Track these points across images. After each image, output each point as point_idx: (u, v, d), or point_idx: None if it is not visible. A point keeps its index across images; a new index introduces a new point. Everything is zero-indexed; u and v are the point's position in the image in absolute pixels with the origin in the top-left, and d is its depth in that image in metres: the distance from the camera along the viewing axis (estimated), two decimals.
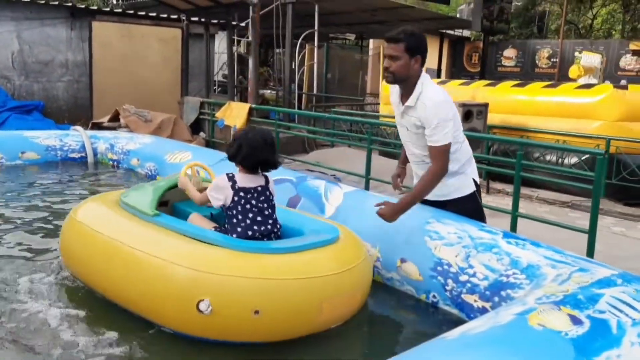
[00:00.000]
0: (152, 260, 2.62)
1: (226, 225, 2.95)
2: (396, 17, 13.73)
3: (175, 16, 11.10)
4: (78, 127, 7.63)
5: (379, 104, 13.37)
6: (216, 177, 3.04)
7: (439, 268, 3.12)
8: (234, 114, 8.46)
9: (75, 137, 7.17)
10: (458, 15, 18.35)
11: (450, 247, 3.12)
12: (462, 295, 2.98)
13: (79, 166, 6.90)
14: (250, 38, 9.97)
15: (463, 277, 2.99)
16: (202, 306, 2.42)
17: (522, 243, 3.01)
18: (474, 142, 6.55)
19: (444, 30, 16.24)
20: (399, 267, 3.35)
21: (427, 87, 2.97)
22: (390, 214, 3.07)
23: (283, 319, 2.53)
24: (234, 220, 2.85)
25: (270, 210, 2.93)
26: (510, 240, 3.05)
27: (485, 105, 7.28)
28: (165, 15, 11.12)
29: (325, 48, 13.58)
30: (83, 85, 10.65)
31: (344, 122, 9.68)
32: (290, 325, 2.58)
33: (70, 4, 10.65)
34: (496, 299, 2.83)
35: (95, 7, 11.86)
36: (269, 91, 15.42)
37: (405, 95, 3.06)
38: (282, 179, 4.90)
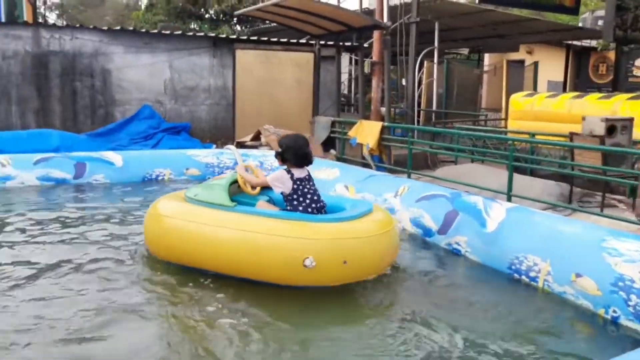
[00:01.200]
0: (260, 237, 3.53)
1: (287, 207, 3.88)
2: (518, 30, 13.59)
3: (303, 40, 11.83)
4: (231, 146, 8.34)
5: (501, 119, 13.27)
6: (274, 172, 4.02)
7: (620, 284, 3.23)
8: (366, 132, 8.85)
9: (229, 155, 7.92)
10: (581, 25, 17.64)
11: (632, 263, 3.22)
12: None
13: None
14: (374, 58, 10.43)
15: None
16: (307, 262, 3.37)
17: None
18: (619, 158, 6.45)
19: (569, 42, 15.74)
20: (574, 282, 3.49)
21: None
22: None
23: (361, 265, 3.59)
24: (295, 203, 3.84)
25: (318, 192, 3.95)
26: None
27: (631, 120, 7.08)
28: (295, 41, 11.89)
29: (445, 64, 13.70)
30: (222, 108, 11.63)
31: (468, 137, 9.76)
32: (364, 271, 3.64)
33: (213, 35, 11.70)
34: None
35: (234, 37, 12.88)
36: (384, 109, 15.75)
37: None
38: (435, 195, 5.17)
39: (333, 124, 10.01)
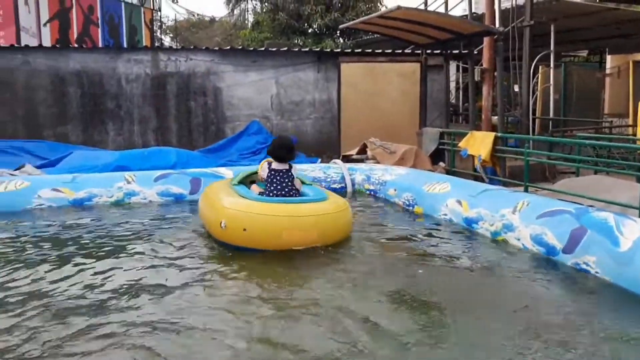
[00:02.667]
0: (217, 204, 4.99)
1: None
2: None
3: (408, 50, 11.61)
4: (338, 161, 8.38)
5: (628, 125, 12.14)
6: (262, 161, 5.35)
7: None
8: (478, 143, 8.43)
9: (336, 170, 7.89)
10: None
11: None
12: None
13: (340, 195, 7.54)
14: (484, 65, 9.95)
15: None
16: (222, 224, 4.65)
17: None
18: None
19: None
20: None
21: None
22: None
23: (263, 235, 4.60)
24: (267, 186, 5.11)
25: (289, 183, 5.05)
26: None
27: None
28: (400, 51, 11.70)
29: (563, 68, 12.82)
30: (327, 122, 11.70)
31: (590, 147, 8.98)
32: (264, 241, 4.61)
33: (318, 49, 11.83)
34: None
35: (339, 50, 12.96)
36: (496, 117, 15.04)
37: None
38: (559, 210, 4.76)
39: (442, 135, 9.69)
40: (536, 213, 4.85)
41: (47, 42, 14.92)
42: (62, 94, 10.68)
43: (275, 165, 5.08)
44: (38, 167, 8.91)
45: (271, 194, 4.99)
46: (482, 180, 8.07)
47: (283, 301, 3.63)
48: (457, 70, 15.52)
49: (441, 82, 10.61)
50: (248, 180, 5.70)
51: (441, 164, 9.69)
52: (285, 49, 12.00)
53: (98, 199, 6.78)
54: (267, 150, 5.25)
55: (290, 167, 5.14)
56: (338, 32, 20.45)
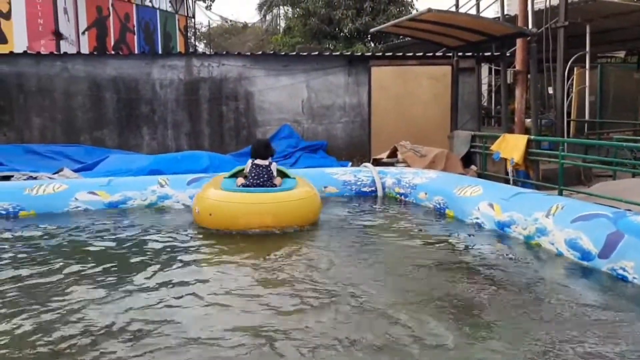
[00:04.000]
0: (198, 194, 6.11)
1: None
2: None
3: (440, 53, 11.52)
4: (368, 164, 8.37)
5: None
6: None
7: None
8: (510, 146, 8.31)
9: (366, 173, 7.88)
10: None
11: None
12: None
13: (371, 199, 7.56)
14: (517, 67, 9.80)
15: None
16: (196, 210, 5.79)
17: None
18: None
19: None
20: None
21: None
22: None
23: (224, 219, 5.54)
24: (248, 178, 5.97)
25: (265, 176, 5.90)
26: None
27: None
28: (430, 54, 11.62)
29: (599, 69, 12.53)
30: (357, 125, 11.70)
31: (628, 149, 8.74)
32: (229, 223, 5.52)
33: (348, 53, 11.85)
34: None
35: (369, 54, 12.96)
36: (528, 119, 14.78)
37: None
38: (594, 214, 4.66)
39: (473, 138, 9.58)
40: (571, 217, 4.75)
41: (85, 50, 15.35)
42: (99, 99, 10.97)
43: (257, 161, 6.01)
44: (76, 170, 9.17)
45: (250, 185, 5.87)
46: (515, 184, 7.96)
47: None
48: (490, 72, 15.33)
49: (473, 85, 10.49)
50: (239, 175, 6.44)
51: (473, 167, 9.59)
52: (316, 53, 12.06)
53: (132, 202, 6.93)
54: (251, 150, 6.19)
55: (270, 163, 6.03)
56: (369, 36, 20.44)
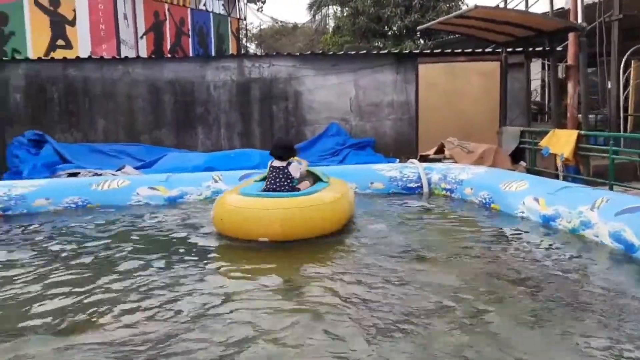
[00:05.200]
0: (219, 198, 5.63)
1: None
2: None
3: (489, 49, 11.46)
4: (414, 160, 8.49)
5: None
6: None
7: None
8: (561, 142, 8.23)
9: (412, 169, 8.00)
10: None
11: None
12: None
13: (416, 195, 7.68)
14: (569, 62, 9.65)
15: None
16: (211, 214, 5.44)
17: None
18: None
19: None
20: None
21: None
22: None
23: (231, 225, 5.16)
24: (266, 182, 5.62)
25: (282, 179, 5.49)
26: None
27: None
28: (480, 50, 11.59)
29: None
30: (405, 123, 11.79)
31: None
32: (234, 230, 5.14)
33: (396, 51, 11.96)
34: None
35: (417, 51, 13.03)
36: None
37: None
38: (639, 207, 4.65)
39: (522, 133, 9.51)
40: (615, 210, 4.76)
41: (143, 53, 16.10)
42: (158, 101, 11.55)
43: (275, 163, 5.57)
44: (136, 168, 9.74)
45: (266, 189, 5.49)
46: (565, 179, 7.89)
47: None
48: (543, 68, 15.05)
49: (523, 81, 10.39)
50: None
51: (522, 163, 9.52)
52: (364, 52, 12.23)
53: (189, 197, 7.35)
54: (270, 151, 5.74)
55: (289, 164, 5.54)
56: (418, 33, 20.39)
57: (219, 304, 3.59)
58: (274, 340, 3.03)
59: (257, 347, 2.96)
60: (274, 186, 5.48)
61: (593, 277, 4.15)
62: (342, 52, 12.65)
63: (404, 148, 11.58)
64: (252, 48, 31.75)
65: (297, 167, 5.61)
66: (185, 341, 3.03)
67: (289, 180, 5.51)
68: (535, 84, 14.54)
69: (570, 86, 9.66)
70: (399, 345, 2.96)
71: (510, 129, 9.83)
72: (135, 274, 4.22)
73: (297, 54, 12.42)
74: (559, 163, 8.17)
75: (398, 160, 10.63)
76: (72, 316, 3.41)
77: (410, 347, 2.94)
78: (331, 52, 13.08)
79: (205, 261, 4.61)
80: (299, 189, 5.56)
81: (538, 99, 14.84)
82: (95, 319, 3.36)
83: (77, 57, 11.82)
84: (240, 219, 5.03)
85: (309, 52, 12.73)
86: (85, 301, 3.66)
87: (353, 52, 12.14)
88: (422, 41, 20.94)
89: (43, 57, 12.58)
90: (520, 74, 10.53)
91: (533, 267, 4.31)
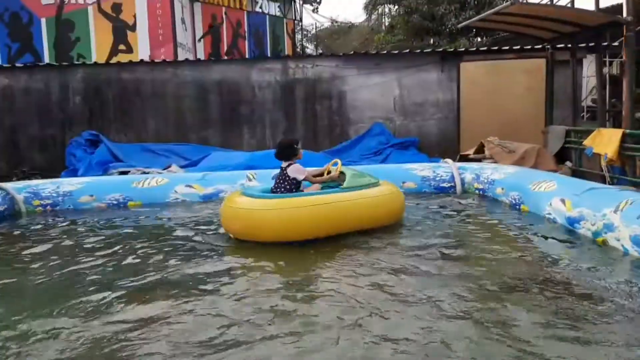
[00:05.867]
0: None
1: None
2: None
3: (538, 46, 11.08)
4: (448, 160, 8.40)
5: None
6: None
7: None
8: (605, 141, 7.89)
9: (445, 169, 7.93)
10: None
11: None
12: None
13: (449, 195, 7.59)
14: (623, 58, 9.18)
15: None
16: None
17: None
18: None
19: None
20: None
21: None
22: None
23: (245, 229, 5.22)
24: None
25: (282, 180, 5.53)
26: None
27: None
28: (528, 47, 11.23)
29: None
30: (450, 122, 11.62)
31: None
32: (243, 232, 5.26)
33: (441, 49, 11.80)
34: None
35: (462, 49, 12.80)
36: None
37: None
38: None
39: (568, 133, 9.17)
40: (638, 212, 4.56)
41: (201, 56, 16.70)
42: (205, 102, 11.98)
43: (283, 164, 5.62)
44: (182, 166, 10.16)
45: (273, 191, 5.59)
46: (611, 181, 7.57)
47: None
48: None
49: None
50: None
51: (567, 163, 9.18)
52: (407, 50, 12.14)
53: (224, 194, 7.61)
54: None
55: (289, 166, 5.52)
56: (474, 30, 19.93)
57: (228, 300, 3.74)
58: (280, 339, 3.09)
59: (262, 347, 3.03)
60: (275, 187, 5.59)
61: (613, 282, 3.94)
62: (384, 52, 12.60)
63: (448, 147, 11.41)
64: (310, 48, 32.09)
65: (296, 168, 5.50)
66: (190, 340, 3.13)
67: (287, 182, 5.50)
68: (592, 82, 13.90)
69: (625, 83, 9.20)
70: (413, 347, 2.98)
71: (556, 128, 9.50)
72: (148, 269, 4.48)
73: (340, 54, 12.50)
74: (603, 163, 7.84)
75: (441, 160, 10.49)
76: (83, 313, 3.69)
77: (429, 349, 2.94)
78: (374, 52, 13.06)
79: (215, 260, 4.74)
80: (302, 191, 5.57)
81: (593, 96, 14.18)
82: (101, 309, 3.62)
83: (130, 61, 12.44)
84: (231, 219, 5.28)
85: (351, 52, 12.77)
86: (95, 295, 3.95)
87: (396, 52, 12.08)
88: (478, 39, 20.45)
89: (98, 62, 13.31)
90: (570, 71, 10.14)
91: (557, 271, 4.21)
